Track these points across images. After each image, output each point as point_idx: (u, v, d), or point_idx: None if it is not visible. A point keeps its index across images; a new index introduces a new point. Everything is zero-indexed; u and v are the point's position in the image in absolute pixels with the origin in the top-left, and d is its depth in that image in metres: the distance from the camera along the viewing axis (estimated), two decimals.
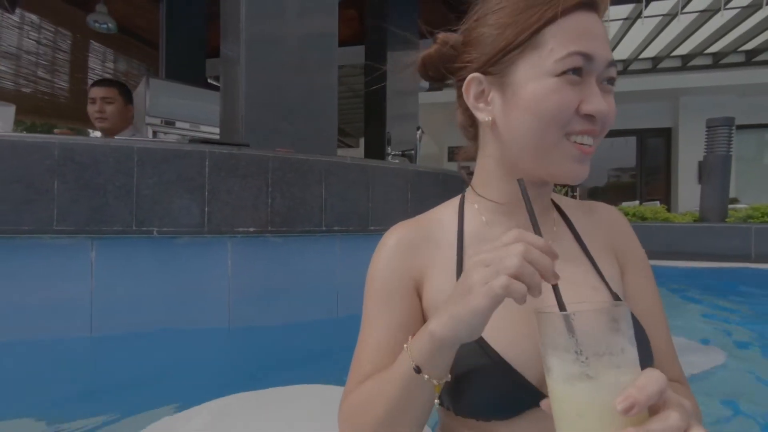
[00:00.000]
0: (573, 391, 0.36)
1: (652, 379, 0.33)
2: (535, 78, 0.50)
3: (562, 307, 0.40)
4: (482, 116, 0.55)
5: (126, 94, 2.62)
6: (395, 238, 0.60)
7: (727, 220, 3.72)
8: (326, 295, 1.72)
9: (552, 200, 0.63)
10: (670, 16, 5.83)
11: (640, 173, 8.62)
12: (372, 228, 1.78)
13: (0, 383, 1.15)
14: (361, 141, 7.86)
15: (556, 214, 0.61)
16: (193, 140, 1.59)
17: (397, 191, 1.87)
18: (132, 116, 2.65)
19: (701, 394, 0.70)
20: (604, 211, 0.65)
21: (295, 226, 1.60)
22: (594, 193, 9.07)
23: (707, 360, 1.35)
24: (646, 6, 5.41)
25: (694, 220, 3.85)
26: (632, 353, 0.36)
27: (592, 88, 0.49)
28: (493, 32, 0.53)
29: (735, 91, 7.37)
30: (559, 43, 0.49)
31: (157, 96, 3.76)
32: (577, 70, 0.49)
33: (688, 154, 7.53)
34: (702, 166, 3.92)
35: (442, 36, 0.60)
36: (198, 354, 1.42)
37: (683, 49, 6.90)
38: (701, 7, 5.71)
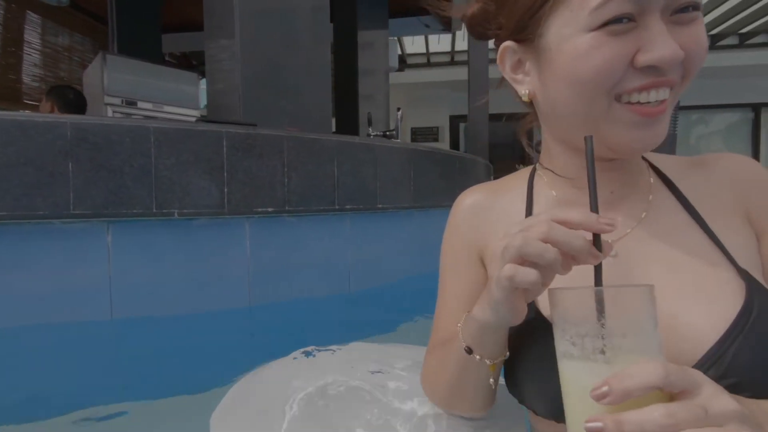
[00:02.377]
0: (565, 368, 0.34)
1: (640, 371, 0.28)
2: (569, 37, 0.40)
3: (599, 284, 0.35)
4: (521, 89, 0.49)
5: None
6: (469, 202, 0.57)
7: None
8: (339, 272, 1.76)
9: (649, 162, 0.52)
10: None
11: None
12: (380, 206, 1.83)
13: (17, 370, 1.11)
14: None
15: (653, 178, 0.50)
16: (201, 120, 1.54)
17: (401, 170, 1.93)
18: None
19: None
20: (728, 162, 0.50)
21: (311, 205, 1.62)
22: None
23: None
24: None
25: None
26: (642, 340, 0.31)
27: (651, 30, 0.38)
28: None
29: None
30: None
31: (116, 74, 3.51)
32: (622, 17, 0.38)
33: None
34: None
35: None
36: (221, 333, 1.43)
37: None
38: None
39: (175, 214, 1.36)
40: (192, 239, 1.43)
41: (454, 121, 9.67)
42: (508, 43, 0.48)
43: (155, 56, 4.58)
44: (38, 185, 1.20)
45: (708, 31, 7.05)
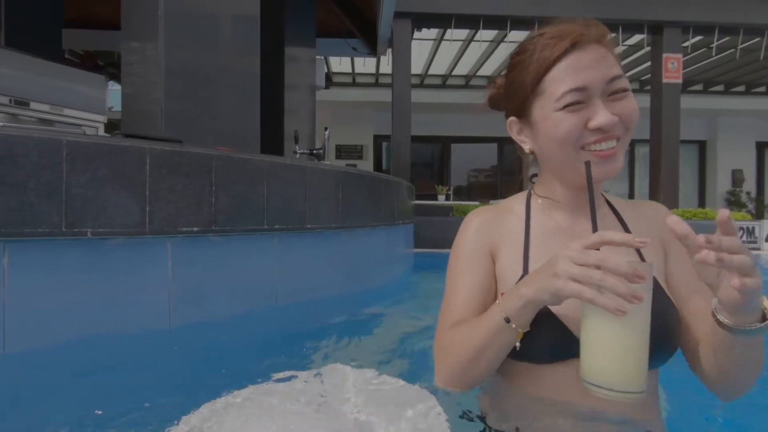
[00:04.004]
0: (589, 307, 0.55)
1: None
2: (547, 115, 0.66)
3: None
4: (525, 147, 0.74)
5: None
6: (479, 218, 0.77)
7: None
8: (265, 292, 1.74)
9: (606, 199, 0.77)
10: None
11: (500, 174, 10.09)
12: (308, 226, 1.85)
13: None
14: None
15: (606, 209, 0.75)
16: (117, 134, 1.45)
17: (329, 191, 1.97)
18: None
19: None
20: (651, 207, 0.79)
21: (239, 225, 1.59)
22: (459, 192, 10.20)
23: None
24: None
25: None
26: (646, 301, 0.52)
27: (595, 107, 0.63)
28: (515, 86, 0.71)
29: None
30: (556, 86, 0.64)
31: (3, 69, 3.12)
32: (575, 102, 0.62)
33: None
34: None
35: (498, 81, 0.80)
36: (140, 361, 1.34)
37: None
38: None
39: (88, 234, 1.26)
40: (107, 260, 1.33)
41: (378, 140, 9.94)
42: (512, 118, 0.75)
43: (53, 52, 4.12)
44: None
45: None
